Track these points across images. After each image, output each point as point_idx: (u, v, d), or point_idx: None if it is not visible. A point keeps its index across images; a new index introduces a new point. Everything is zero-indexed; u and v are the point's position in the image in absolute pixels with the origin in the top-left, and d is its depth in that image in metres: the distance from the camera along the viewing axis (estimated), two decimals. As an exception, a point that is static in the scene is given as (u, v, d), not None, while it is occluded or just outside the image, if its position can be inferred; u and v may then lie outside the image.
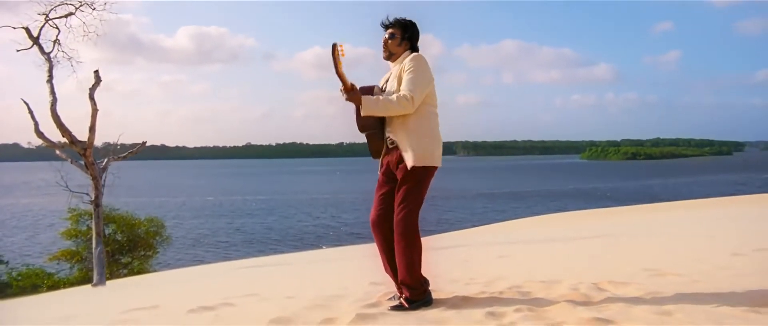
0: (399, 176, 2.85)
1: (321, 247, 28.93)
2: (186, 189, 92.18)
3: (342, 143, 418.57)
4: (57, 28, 13.55)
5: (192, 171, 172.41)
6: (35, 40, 12.98)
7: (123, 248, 26.92)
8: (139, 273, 27.26)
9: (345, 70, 2.72)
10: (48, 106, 11.97)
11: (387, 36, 2.93)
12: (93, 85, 12.36)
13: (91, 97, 12.18)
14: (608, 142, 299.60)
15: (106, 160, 12.32)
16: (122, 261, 26.56)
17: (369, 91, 2.87)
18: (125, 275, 26.08)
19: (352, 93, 2.80)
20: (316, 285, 4.06)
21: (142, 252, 27.42)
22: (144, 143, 14.34)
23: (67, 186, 23.49)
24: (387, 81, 2.95)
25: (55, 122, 11.80)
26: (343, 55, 2.68)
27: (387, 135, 2.90)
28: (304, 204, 72.79)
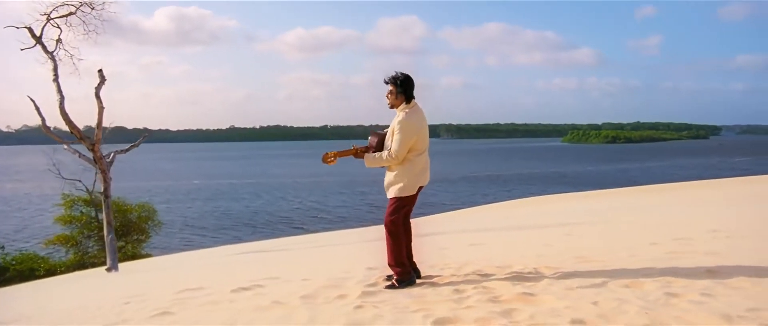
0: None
1: (311, 232, 30.00)
2: (171, 174, 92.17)
3: (326, 126, 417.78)
4: (58, 27, 14.18)
5: (176, 155, 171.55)
6: (38, 40, 13.65)
7: (116, 233, 27.70)
8: (132, 257, 28.17)
9: (339, 150, 4.09)
10: (56, 104, 12.72)
11: (387, 92, 3.99)
12: (99, 84, 13.09)
13: (97, 96, 12.93)
14: (589, 125, 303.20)
15: (112, 154, 13.12)
16: (116, 245, 27.33)
17: (382, 135, 3.99)
18: (118, 259, 26.83)
19: (358, 155, 4.03)
20: (323, 269, 5.12)
21: (135, 237, 28.34)
22: (145, 136, 15.14)
23: (59, 173, 24.12)
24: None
25: (65, 120, 12.56)
26: (332, 160, 4.03)
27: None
28: (290, 188, 73.52)
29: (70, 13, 14.41)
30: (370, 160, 3.95)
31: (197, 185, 74.36)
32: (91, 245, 26.48)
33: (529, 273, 4.12)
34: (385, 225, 3.93)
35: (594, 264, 4.32)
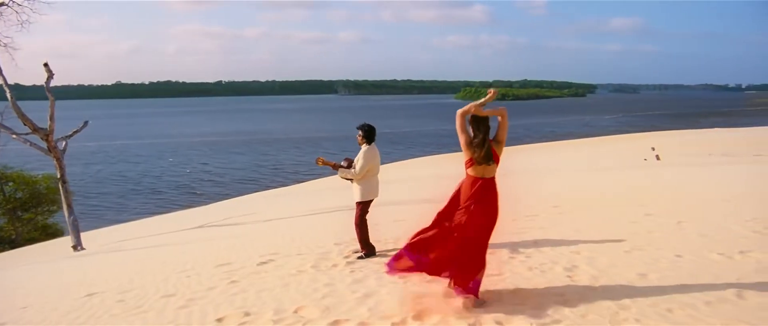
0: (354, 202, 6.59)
1: (229, 197, 31.61)
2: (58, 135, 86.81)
3: (221, 81, 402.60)
4: (-8, 18, 14.86)
5: (57, 113, 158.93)
6: (-29, 31, 14.32)
7: (25, 205, 28.04)
8: (44, 228, 28.59)
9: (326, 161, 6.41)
10: (8, 98, 13.71)
11: (358, 135, 6.52)
12: (47, 79, 14.18)
13: (48, 90, 14.05)
14: (481, 82, 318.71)
15: (65, 142, 14.34)
16: (24, 217, 27.76)
17: (351, 160, 6.49)
18: (30, 232, 27.41)
19: (335, 168, 6.45)
20: (305, 245, 7.61)
21: (46, 208, 28.77)
22: (85, 123, 16.25)
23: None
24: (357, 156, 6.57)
25: (17, 113, 13.64)
26: (321, 163, 6.35)
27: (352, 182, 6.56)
28: (187, 148, 72.70)
29: (2, 4, 15.06)
30: (343, 172, 6.47)
31: (90, 148, 71.41)
32: (-5, 220, 26.78)
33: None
34: (356, 224, 6.56)
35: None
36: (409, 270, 4.50)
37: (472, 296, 4.30)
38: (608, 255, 5.65)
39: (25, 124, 13.64)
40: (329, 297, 4.95)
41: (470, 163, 4.37)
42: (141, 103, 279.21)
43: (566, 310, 4.06)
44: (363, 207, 6.55)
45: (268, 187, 40.99)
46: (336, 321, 4.25)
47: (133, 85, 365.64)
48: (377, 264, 6.15)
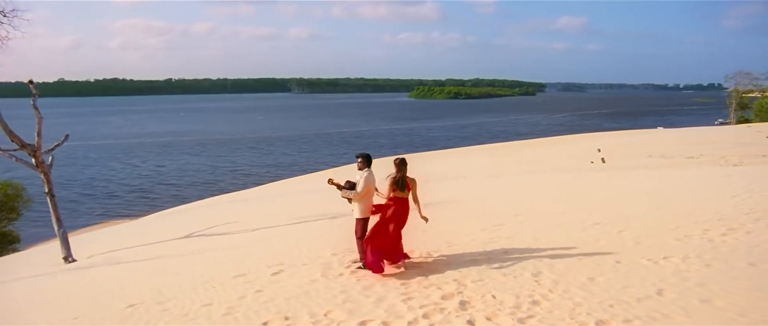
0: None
1: (192, 200, 31.97)
2: None
3: (171, 79, 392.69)
4: (-29, 36, 15.17)
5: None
6: (-49, 48, 14.63)
7: (-18, 215, 27.85)
8: (2, 236, 28.45)
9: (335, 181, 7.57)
10: (-6, 115, 14.08)
11: (358, 161, 7.69)
12: (33, 96, 14.66)
13: (35, 107, 14.53)
14: (434, 81, 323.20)
15: (50, 157, 14.83)
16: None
17: (353, 182, 7.66)
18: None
19: (339, 189, 7.60)
20: (305, 255, 8.73)
21: (5, 215, 28.68)
22: (67, 136, 16.68)
23: None
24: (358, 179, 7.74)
25: (5, 130, 14.06)
26: (332, 182, 7.51)
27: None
28: (140, 150, 71.52)
29: (-20, 22, 15.36)
30: (344, 192, 7.65)
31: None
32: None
33: (421, 256, 8.22)
34: (358, 238, 7.75)
35: (453, 248, 8.55)
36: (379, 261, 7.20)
37: (402, 263, 7.43)
38: (564, 262, 7.07)
39: (12, 140, 14.06)
40: (348, 302, 6.14)
41: (394, 189, 7.29)
42: (87, 101, 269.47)
43: (537, 308, 5.42)
44: (363, 224, 7.75)
45: (225, 190, 41.37)
46: (363, 322, 5.45)
47: (77, 82, 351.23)
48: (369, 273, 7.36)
